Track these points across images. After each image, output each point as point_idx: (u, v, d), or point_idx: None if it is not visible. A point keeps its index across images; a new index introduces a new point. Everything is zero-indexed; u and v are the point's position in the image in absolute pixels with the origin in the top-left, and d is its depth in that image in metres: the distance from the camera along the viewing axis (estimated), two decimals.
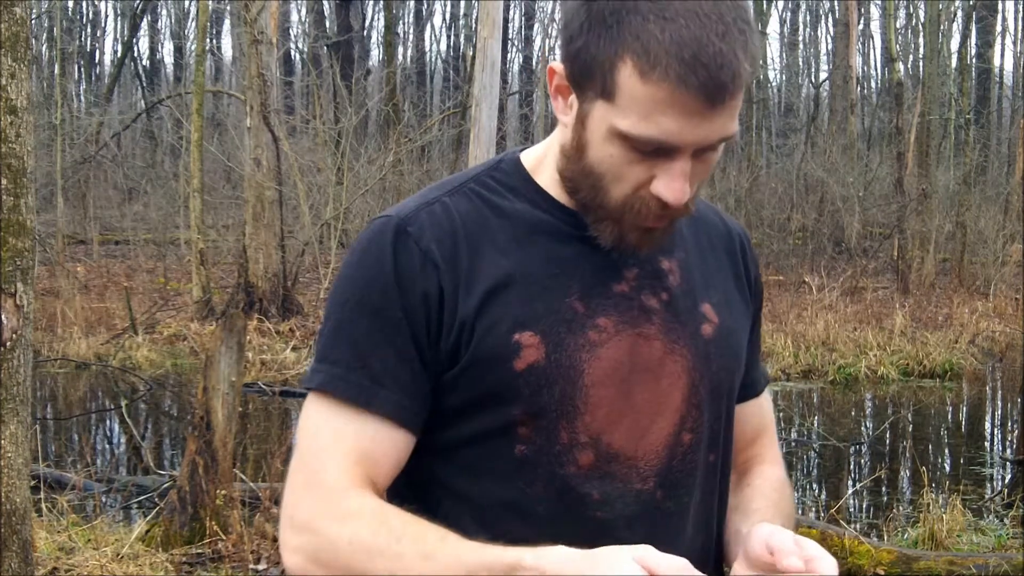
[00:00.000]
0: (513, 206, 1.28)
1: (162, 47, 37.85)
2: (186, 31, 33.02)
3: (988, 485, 7.57)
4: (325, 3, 27.98)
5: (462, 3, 31.55)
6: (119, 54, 28.86)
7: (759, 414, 1.47)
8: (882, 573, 4.98)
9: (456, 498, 1.27)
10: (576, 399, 1.23)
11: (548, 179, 1.29)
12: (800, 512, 6.10)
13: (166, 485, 6.28)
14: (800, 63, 34.90)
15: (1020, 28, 33.54)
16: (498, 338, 1.22)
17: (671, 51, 1.10)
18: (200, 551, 5.03)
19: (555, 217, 1.28)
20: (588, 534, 1.19)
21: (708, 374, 1.29)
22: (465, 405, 1.24)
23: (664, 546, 1.12)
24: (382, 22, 26.53)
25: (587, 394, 1.23)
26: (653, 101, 1.12)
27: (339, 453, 1.22)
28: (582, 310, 1.24)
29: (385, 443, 1.23)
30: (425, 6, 34.19)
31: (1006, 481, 7.78)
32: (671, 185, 1.17)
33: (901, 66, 20.88)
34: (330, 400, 1.24)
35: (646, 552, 1.08)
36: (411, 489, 1.28)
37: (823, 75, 31.97)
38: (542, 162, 1.31)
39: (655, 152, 1.16)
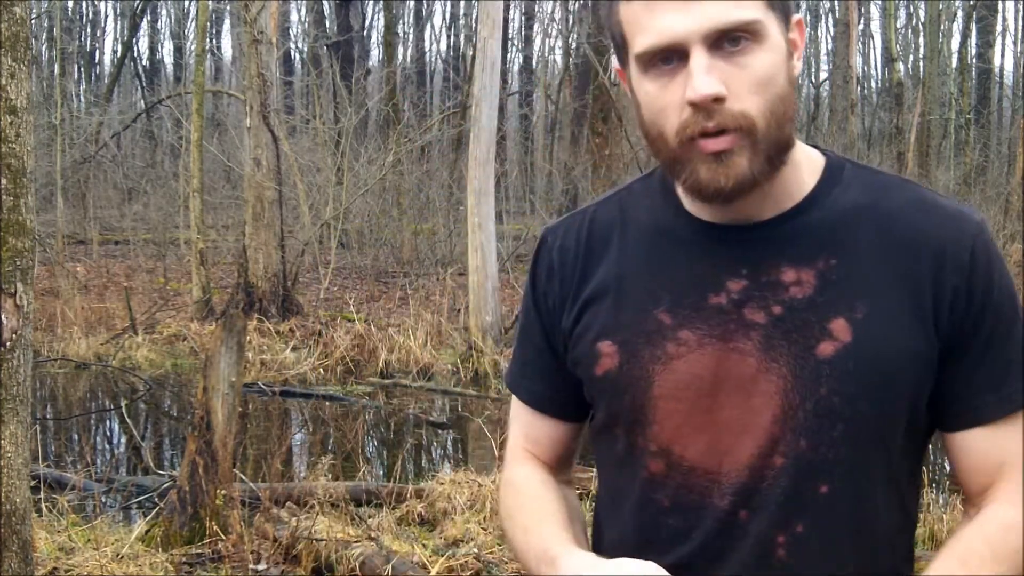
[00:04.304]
0: (639, 214, 1.35)
1: (162, 47, 37.86)
2: (186, 31, 33.04)
3: None
4: (325, 3, 27.99)
5: (462, 3, 31.51)
6: (119, 54, 28.85)
7: (991, 446, 1.26)
8: None
9: (600, 481, 1.42)
10: (646, 409, 1.27)
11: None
12: None
13: (166, 485, 6.27)
14: (800, 63, 34.84)
15: (1020, 28, 33.56)
16: (585, 345, 1.33)
17: None
18: (200, 551, 5.03)
19: (675, 221, 1.32)
20: (663, 541, 1.28)
21: (814, 397, 1.21)
22: (589, 400, 1.38)
23: (748, 568, 1.23)
24: (382, 22, 26.52)
25: (655, 405, 1.27)
26: (643, 12, 1.20)
27: (514, 429, 1.48)
28: (668, 322, 1.27)
29: (537, 426, 1.45)
30: (425, 6, 34.18)
31: None
32: (690, 83, 1.17)
33: (901, 66, 20.88)
34: None
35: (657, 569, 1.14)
36: None
37: (823, 75, 31.96)
38: None
39: (674, 65, 1.20)
